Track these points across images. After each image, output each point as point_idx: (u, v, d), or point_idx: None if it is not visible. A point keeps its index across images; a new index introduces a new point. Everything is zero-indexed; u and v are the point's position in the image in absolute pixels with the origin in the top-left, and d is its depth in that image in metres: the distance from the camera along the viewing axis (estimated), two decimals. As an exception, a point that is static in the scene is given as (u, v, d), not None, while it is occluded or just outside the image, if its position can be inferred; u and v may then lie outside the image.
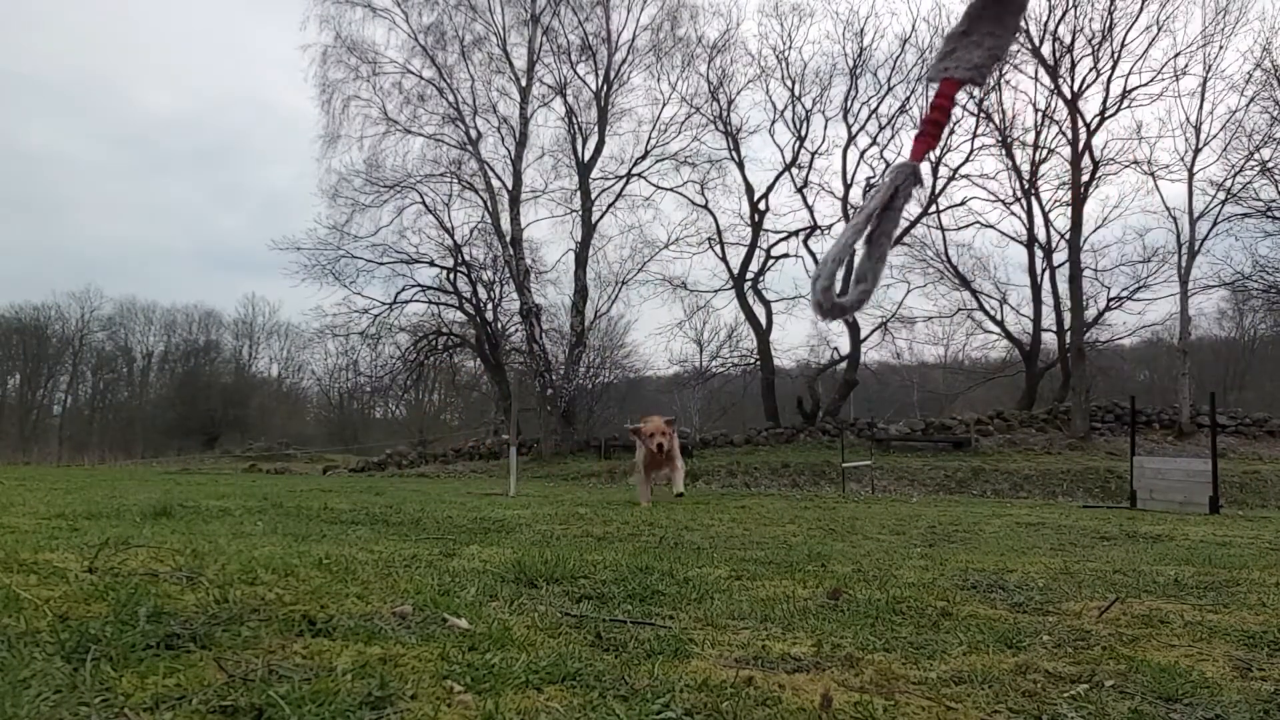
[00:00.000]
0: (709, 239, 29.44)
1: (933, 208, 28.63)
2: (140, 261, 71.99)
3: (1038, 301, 29.07)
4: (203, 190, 74.54)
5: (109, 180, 71.98)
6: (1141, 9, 24.73)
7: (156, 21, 73.79)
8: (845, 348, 29.08)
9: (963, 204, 29.11)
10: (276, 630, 1.78)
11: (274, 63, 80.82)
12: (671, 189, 29.41)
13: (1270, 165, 24.72)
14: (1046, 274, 28.71)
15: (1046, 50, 25.93)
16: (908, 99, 27.83)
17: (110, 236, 72.30)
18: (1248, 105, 24.70)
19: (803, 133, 28.73)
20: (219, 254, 74.35)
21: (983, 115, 27.64)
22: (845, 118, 28.51)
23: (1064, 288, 27.41)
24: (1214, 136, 25.27)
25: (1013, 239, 29.59)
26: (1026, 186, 28.58)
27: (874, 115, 28.25)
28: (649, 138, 28.86)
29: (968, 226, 29.40)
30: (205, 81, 73.67)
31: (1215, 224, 25.63)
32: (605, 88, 28.56)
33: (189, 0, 71.59)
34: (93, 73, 72.33)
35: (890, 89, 27.92)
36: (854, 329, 28.37)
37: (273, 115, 68.41)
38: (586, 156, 28.63)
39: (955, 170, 28.33)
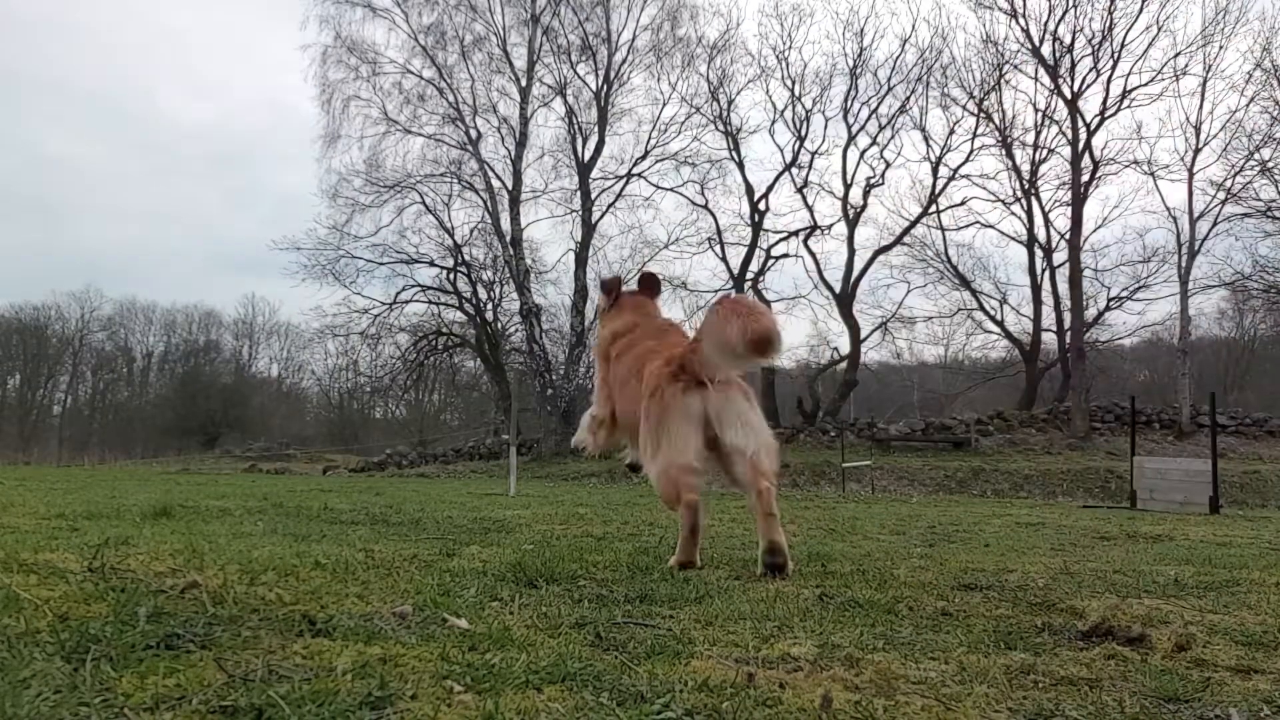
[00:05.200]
0: (709, 239, 29.46)
1: (933, 208, 28.64)
2: (152, 264, 72.06)
3: (1038, 301, 29.08)
4: (217, 193, 74.55)
5: (124, 184, 71.99)
6: (1141, 9, 24.75)
7: (182, 28, 73.68)
8: (845, 348, 29.12)
9: (963, 204, 29.14)
10: (276, 630, 1.78)
11: (290, 68, 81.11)
12: (671, 189, 29.43)
13: (1270, 165, 24.72)
14: (1046, 274, 28.75)
15: (1046, 50, 25.97)
16: (908, 99, 27.85)
17: (123, 239, 72.39)
18: (1248, 105, 24.71)
19: (803, 133, 28.75)
20: (231, 256, 74.58)
21: (983, 115, 27.65)
22: (845, 118, 28.53)
23: (1064, 288, 27.42)
24: (1214, 136, 25.28)
25: (1013, 239, 29.61)
26: (1026, 186, 28.59)
27: (874, 115, 28.26)
28: (649, 138, 28.89)
29: (968, 226, 29.44)
30: (227, 87, 73.70)
31: (1215, 224, 25.66)
32: (605, 88, 28.56)
33: (214, 8, 71.54)
34: (116, 79, 72.39)
35: (890, 89, 27.93)
36: (854, 329, 28.39)
37: (290, 118, 68.41)
38: (586, 156, 28.64)
39: (955, 170, 28.35)
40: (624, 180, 28.92)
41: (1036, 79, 26.96)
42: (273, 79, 74.85)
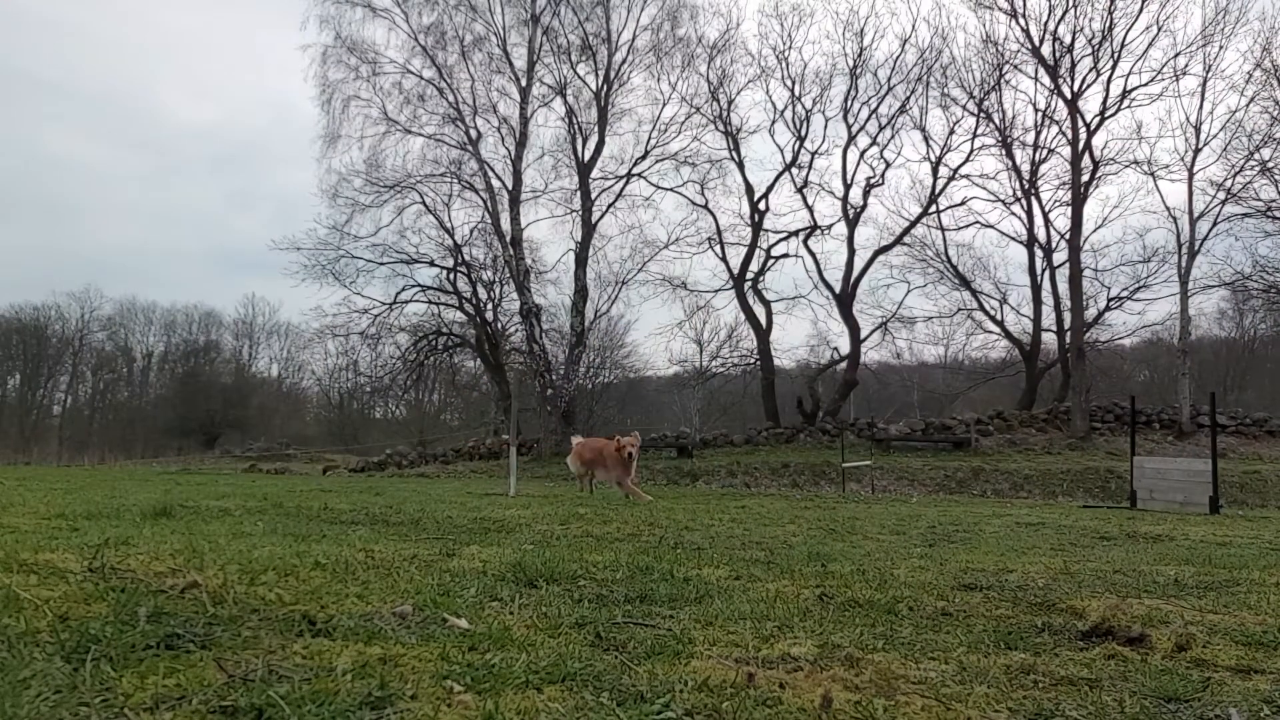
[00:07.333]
0: (709, 239, 29.44)
1: (933, 208, 28.64)
2: (152, 264, 71.80)
3: (1038, 301, 29.08)
4: (218, 193, 74.32)
5: (125, 185, 71.71)
6: (1141, 9, 24.74)
7: (183, 29, 73.45)
8: (845, 348, 29.09)
9: (963, 204, 29.12)
10: (276, 630, 1.78)
11: (291, 68, 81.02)
12: (671, 189, 29.39)
13: (1270, 165, 24.70)
14: (1046, 274, 28.74)
15: (1046, 50, 25.94)
16: (908, 99, 27.83)
17: (123, 239, 72.15)
18: (1248, 105, 24.69)
19: (803, 133, 28.72)
20: (231, 256, 74.42)
21: (983, 115, 27.65)
22: (845, 117, 28.51)
23: (1064, 288, 27.41)
24: (1214, 136, 25.26)
25: (1013, 239, 29.61)
26: (1026, 186, 28.58)
27: (874, 115, 28.24)
28: (649, 138, 28.85)
29: (968, 226, 29.42)
30: (228, 87, 73.45)
31: (1215, 224, 25.64)
32: (605, 88, 28.54)
33: (215, 8, 71.39)
34: (118, 79, 72.18)
35: (890, 89, 27.91)
36: (854, 329, 28.39)
37: (290, 118, 68.25)
38: (586, 156, 28.61)
39: (955, 170, 28.33)
40: (624, 180, 28.92)
41: (1036, 79, 27.00)
42: (274, 79, 74.90)
